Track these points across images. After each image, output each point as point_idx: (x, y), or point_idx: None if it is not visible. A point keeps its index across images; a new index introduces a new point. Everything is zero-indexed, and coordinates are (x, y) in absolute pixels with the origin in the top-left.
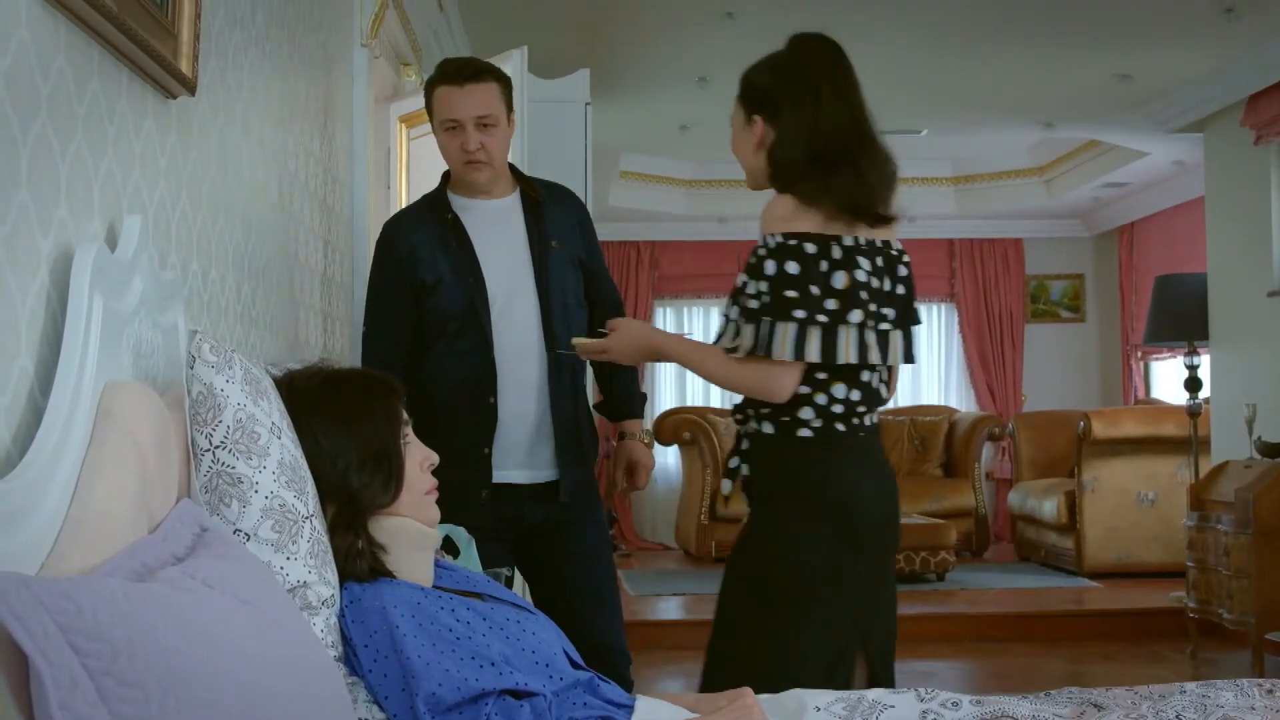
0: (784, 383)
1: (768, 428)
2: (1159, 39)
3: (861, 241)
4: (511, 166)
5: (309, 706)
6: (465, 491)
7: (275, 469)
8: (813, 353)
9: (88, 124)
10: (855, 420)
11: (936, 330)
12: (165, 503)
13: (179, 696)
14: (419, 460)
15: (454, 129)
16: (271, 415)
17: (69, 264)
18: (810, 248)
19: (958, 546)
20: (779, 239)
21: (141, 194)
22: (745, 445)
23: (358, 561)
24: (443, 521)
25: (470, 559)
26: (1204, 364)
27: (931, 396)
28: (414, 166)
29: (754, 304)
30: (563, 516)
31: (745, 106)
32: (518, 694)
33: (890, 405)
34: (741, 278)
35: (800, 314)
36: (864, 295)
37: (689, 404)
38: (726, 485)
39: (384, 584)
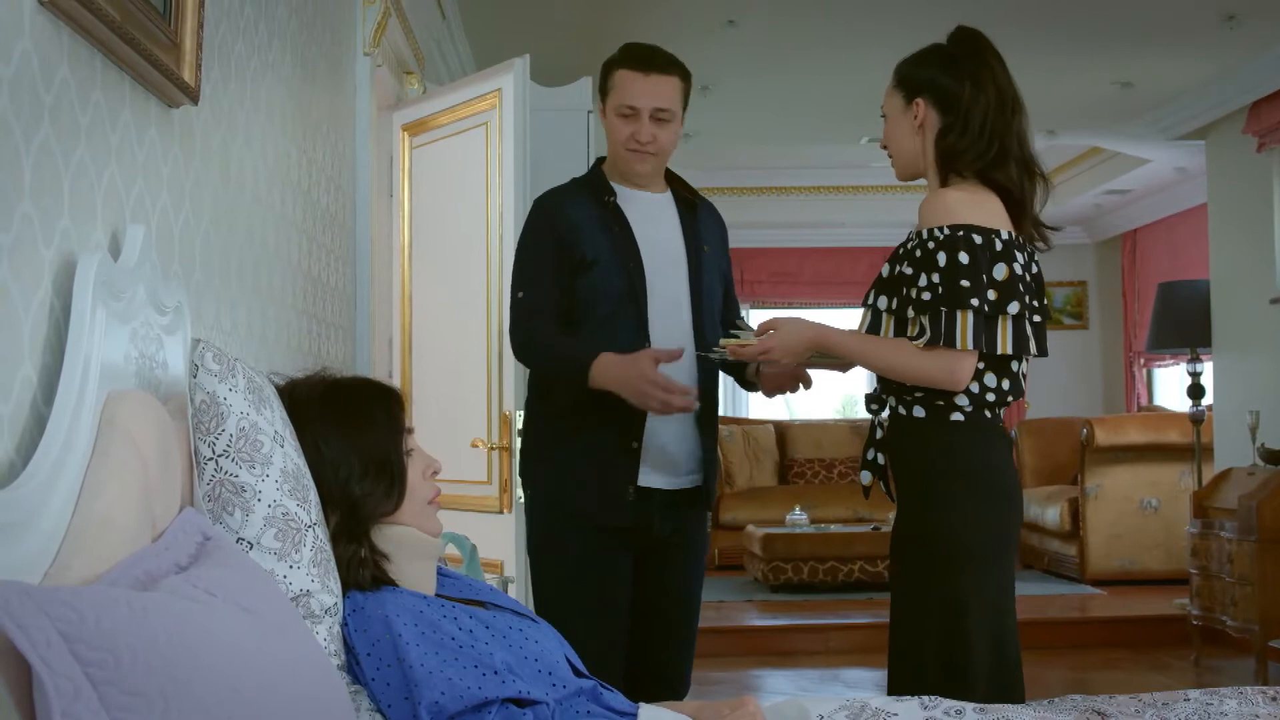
0: (967, 371)
1: (918, 411)
2: (1161, 46)
3: (1014, 235)
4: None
5: (311, 715)
6: (612, 487)
7: (278, 477)
8: (986, 342)
9: (91, 133)
10: (1000, 409)
11: None
12: (168, 511)
13: (181, 705)
14: (421, 468)
15: (629, 115)
16: (274, 424)
17: (72, 273)
18: (977, 238)
19: None
20: (947, 231)
21: (144, 203)
22: (880, 434)
23: (360, 570)
24: (591, 517)
25: (474, 568)
26: (1207, 371)
27: None
28: (416, 174)
29: (927, 295)
30: (684, 533)
31: (904, 92)
32: (520, 702)
33: None
34: (898, 268)
35: (975, 302)
36: (1020, 288)
37: None
38: (866, 477)
39: (387, 592)
